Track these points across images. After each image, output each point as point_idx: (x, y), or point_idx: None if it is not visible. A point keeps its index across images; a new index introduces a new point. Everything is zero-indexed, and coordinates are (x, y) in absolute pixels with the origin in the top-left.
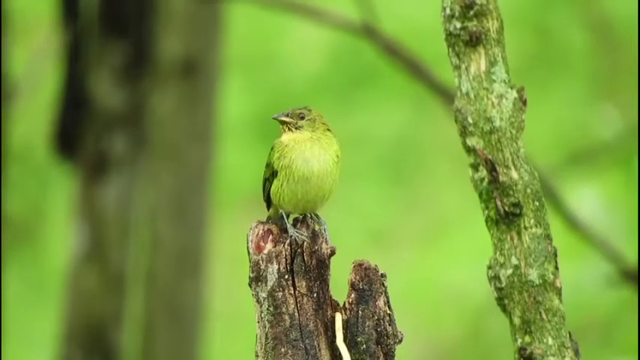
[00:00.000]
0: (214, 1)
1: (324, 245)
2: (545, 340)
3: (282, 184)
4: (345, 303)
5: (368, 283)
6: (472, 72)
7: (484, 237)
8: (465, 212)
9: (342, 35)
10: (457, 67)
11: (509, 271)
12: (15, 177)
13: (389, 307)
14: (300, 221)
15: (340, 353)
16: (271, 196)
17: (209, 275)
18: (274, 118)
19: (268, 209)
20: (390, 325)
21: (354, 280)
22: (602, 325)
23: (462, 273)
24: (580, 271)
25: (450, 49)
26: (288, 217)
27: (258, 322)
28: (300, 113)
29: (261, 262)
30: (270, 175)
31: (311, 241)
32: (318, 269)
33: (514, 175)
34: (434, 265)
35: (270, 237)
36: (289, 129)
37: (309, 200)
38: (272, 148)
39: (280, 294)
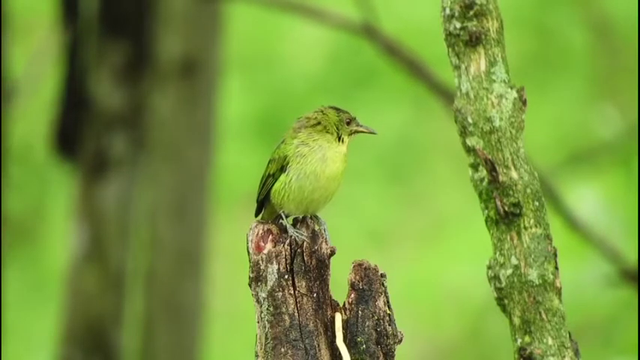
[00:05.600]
0: (214, 1)
1: (324, 245)
2: (545, 340)
3: (290, 180)
4: (344, 303)
5: (368, 283)
6: (472, 72)
7: (484, 237)
8: (464, 212)
9: (342, 35)
10: (457, 67)
11: (509, 271)
12: (15, 177)
13: (389, 307)
14: (300, 221)
15: (340, 353)
16: (273, 194)
17: (209, 275)
18: (373, 132)
19: (257, 214)
20: (389, 325)
21: (353, 280)
22: (602, 325)
23: (462, 273)
24: (580, 271)
25: (450, 49)
26: (287, 217)
27: (258, 322)
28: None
29: (261, 262)
30: (278, 169)
31: (311, 241)
32: (318, 269)
33: (514, 175)
34: (433, 265)
35: (270, 237)
36: (352, 137)
37: (313, 200)
38: (283, 142)
39: (280, 294)
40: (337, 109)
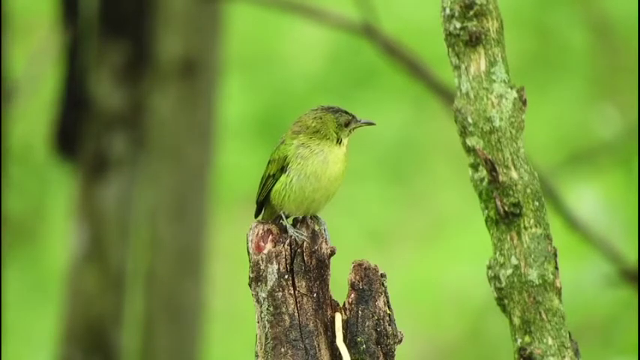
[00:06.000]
0: (214, 1)
1: (324, 245)
2: (545, 340)
3: (291, 180)
4: (345, 303)
5: (368, 283)
6: (472, 72)
7: (484, 237)
8: (464, 212)
9: (342, 35)
10: (457, 67)
11: (509, 271)
12: (15, 177)
13: (389, 307)
14: (300, 221)
15: (340, 353)
16: (273, 194)
17: (209, 275)
18: (371, 123)
19: (257, 214)
20: (389, 325)
21: (353, 280)
22: (602, 325)
23: (462, 273)
24: (580, 271)
25: (450, 49)
26: (287, 217)
27: (258, 322)
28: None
29: (261, 262)
30: (278, 170)
31: (311, 241)
32: (318, 269)
33: (514, 175)
34: (433, 265)
35: (270, 237)
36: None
37: (314, 200)
38: (283, 142)
39: (280, 294)
40: (335, 112)
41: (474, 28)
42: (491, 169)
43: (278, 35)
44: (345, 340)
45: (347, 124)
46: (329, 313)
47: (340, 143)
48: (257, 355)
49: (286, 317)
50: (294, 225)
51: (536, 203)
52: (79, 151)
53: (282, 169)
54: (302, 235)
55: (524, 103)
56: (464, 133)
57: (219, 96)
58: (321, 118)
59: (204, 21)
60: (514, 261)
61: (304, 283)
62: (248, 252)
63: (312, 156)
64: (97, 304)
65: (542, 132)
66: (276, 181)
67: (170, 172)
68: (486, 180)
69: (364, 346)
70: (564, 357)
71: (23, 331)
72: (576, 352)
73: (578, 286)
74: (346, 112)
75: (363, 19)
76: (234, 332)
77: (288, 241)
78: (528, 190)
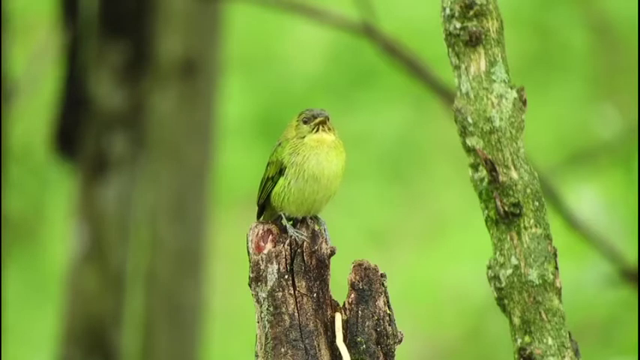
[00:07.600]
0: (214, 1)
1: (323, 245)
2: (545, 340)
3: (289, 183)
4: (345, 303)
5: (368, 283)
6: (472, 72)
7: (484, 237)
8: (464, 212)
9: (342, 35)
10: (457, 67)
11: (509, 271)
12: (15, 177)
13: (389, 307)
14: (300, 221)
15: (340, 353)
16: (273, 197)
17: (209, 275)
18: (325, 116)
19: (259, 216)
20: (389, 325)
21: (353, 280)
22: (602, 325)
23: (462, 273)
24: (580, 271)
25: (450, 49)
26: (288, 219)
27: (258, 322)
28: (328, 115)
29: (261, 262)
30: (276, 173)
31: (311, 241)
32: (318, 269)
33: (514, 175)
34: (434, 265)
35: (270, 237)
36: (323, 129)
37: (315, 200)
38: (279, 144)
39: (280, 294)
40: (301, 113)
41: (474, 28)
42: (491, 169)
43: (278, 35)
44: (345, 340)
45: (305, 121)
46: (329, 313)
47: (317, 132)
48: (257, 355)
49: (286, 317)
50: (294, 225)
51: (536, 203)
52: (79, 151)
53: (280, 172)
54: (302, 235)
55: (524, 103)
56: (464, 133)
57: (219, 96)
58: (290, 123)
59: (204, 21)
60: (514, 261)
61: (304, 283)
62: (248, 252)
63: (305, 162)
64: (97, 304)
65: (542, 132)
66: (275, 183)
67: (170, 172)
68: (486, 180)
69: (364, 346)
70: (564, 357)
71: (23, 331)
72: (576, 352)
73: (578, 286)
74: (311, 110)
75: (363, 19)
76: (234, 332)
77: (288, 241)
78: (528, 190)
